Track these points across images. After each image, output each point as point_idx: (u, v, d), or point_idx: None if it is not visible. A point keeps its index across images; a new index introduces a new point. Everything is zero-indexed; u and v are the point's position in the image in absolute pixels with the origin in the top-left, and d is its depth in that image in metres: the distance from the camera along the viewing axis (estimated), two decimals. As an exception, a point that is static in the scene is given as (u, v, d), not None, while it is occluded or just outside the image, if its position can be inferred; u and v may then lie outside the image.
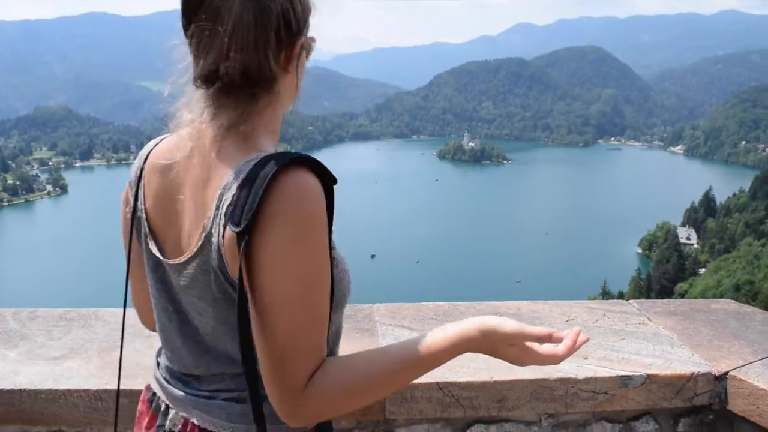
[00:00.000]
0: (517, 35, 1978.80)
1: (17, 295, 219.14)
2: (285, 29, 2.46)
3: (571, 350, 2.52)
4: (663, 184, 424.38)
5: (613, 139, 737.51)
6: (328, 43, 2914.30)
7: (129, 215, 2.61)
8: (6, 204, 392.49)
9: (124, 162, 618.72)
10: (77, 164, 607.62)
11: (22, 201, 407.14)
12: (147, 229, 2.51)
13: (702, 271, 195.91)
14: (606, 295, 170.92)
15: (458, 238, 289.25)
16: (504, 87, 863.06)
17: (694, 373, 3.49)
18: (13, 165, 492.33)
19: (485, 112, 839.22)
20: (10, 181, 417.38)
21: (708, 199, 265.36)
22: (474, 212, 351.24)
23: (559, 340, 2.47)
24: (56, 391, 3.11)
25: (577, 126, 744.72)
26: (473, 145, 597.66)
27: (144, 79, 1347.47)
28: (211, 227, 2.34)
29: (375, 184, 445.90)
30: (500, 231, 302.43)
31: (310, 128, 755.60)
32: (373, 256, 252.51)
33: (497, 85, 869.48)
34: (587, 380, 3.54)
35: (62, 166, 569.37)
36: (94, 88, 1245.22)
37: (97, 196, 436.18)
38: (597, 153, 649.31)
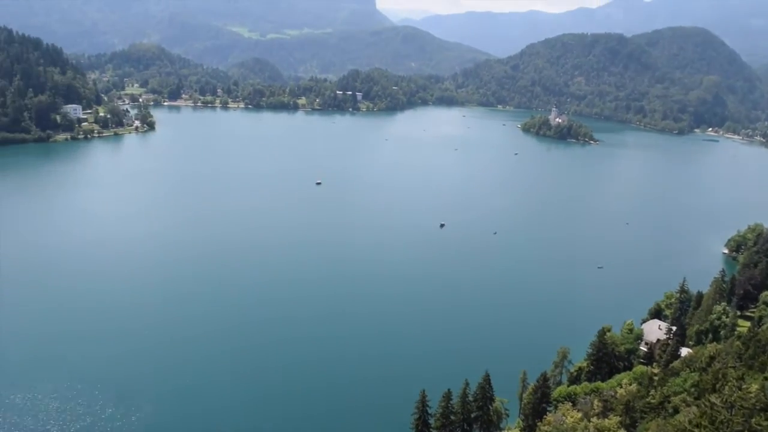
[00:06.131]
0: (619, 9, 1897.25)
1: (99, 220, 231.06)
2: None
3: None
4: (759, 183, 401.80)
5: (710, 129, 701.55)
6: (422, 2, 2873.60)
7: None
8: (96, 135, 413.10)
9: (209, 105, 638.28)
10: (165, 103, 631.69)
11: (112, 134, 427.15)
12: None
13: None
14: (684, 293, 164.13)
15: (536, 215, 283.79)
16: (599, 63, 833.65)
17: None
18: (106, 98, 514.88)
19: (576, 87, 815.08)
20: (102, 114, 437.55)
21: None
22: (554, 191, 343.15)
23: None
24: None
25: (673, 112, 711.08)
26: (560, 121, 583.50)
27: (236, 25, 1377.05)
28: None
29: (455, 151, 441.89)
30: (580, 213, 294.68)
31: (394, 88, 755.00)
32: (442, 226, 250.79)
33: (592, 60, 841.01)
34: None
35: (151, 103, 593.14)
36: (186, 30, 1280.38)
37: (181, 137, 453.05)
38: (692, 142, 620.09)
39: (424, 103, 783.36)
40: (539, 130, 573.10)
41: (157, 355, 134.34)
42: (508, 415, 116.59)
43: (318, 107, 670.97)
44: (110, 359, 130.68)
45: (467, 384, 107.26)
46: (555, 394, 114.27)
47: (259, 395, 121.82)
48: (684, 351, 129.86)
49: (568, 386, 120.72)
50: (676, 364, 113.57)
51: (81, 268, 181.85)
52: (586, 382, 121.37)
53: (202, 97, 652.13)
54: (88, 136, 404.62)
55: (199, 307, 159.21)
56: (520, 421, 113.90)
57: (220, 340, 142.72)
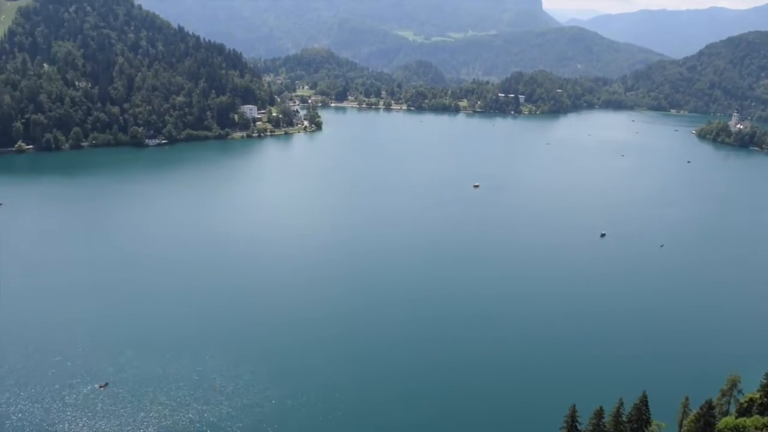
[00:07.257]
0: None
1: (268, 210, 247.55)
2: None
3: None
4: None
5: None
6: (590, 1, 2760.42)
7: None
8: (269, 134, 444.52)
9: (373, 106, 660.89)
10: (332, 104, 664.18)
11: (282, 133, 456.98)
12: None
13: None
14: None
15: (710, 228, 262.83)
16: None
17: None
18: (278, 99, 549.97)
19: (762, 91, 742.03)
20: (274, 114, 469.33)
21: None
22: (732, 203, 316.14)
23: None
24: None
25: None
26: (742, 127, 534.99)
27: (402, 28, 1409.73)
28: None
29: (621, 157, 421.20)
30: (761, 228, 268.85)
31: (558, 90, 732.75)
32: (603, 235, 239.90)
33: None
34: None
35: (319, 104, 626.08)
36: (355, 34, 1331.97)
37: (346, 137, 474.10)
38: None
39: (590, 106, 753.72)
40: (717, 136, 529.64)
41: (320, 346, 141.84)
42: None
43: (479, 110, 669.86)
44: (275, 340, 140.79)
45: (621, 403, 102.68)
46: (720, 424, 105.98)
47: (406, 390, 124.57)
48: None
49: (736, 418, 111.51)
50: None
51: (251, 251, 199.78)
52: (757, 416, 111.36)
53: (366, 99, 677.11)
54: (262, 134, 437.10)
55: (361, 302, 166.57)
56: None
57: (381, 336, 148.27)
